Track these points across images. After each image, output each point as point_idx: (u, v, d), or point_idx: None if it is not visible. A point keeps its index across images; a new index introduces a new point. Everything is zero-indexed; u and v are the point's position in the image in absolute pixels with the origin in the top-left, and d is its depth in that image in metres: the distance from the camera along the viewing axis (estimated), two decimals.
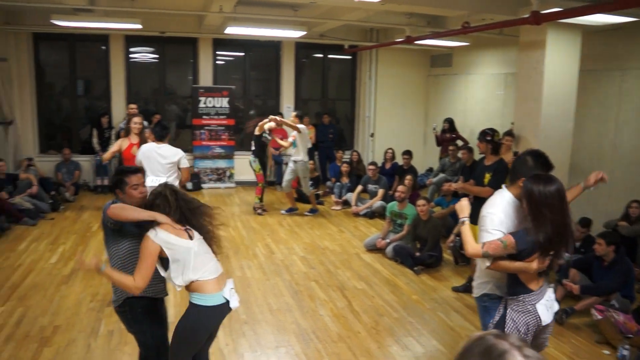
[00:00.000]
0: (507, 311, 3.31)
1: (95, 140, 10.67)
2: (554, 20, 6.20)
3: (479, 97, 11.16)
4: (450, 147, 10.18)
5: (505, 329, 3.26)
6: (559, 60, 7.10)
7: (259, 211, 9.59)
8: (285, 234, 8.36)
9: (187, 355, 3.32)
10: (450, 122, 10.73)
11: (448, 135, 10.66)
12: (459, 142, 10.43)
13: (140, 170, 3.53)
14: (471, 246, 3.32)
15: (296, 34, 9.65)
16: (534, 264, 3.13)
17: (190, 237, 3.23)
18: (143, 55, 11.89)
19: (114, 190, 3.44)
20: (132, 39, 11.31)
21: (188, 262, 3.15)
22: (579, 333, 5.26)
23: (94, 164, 10.92)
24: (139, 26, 8.75)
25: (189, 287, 3.23)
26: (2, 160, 8.99)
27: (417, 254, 7.06)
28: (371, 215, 9.57)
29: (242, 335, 4.96)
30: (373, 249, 7.66)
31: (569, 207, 3.17)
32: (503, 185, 3.50)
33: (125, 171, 3.44)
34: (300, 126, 9.00)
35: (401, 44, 9.85)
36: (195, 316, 3.23)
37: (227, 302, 3.26)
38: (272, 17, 9.10)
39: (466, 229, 3.43)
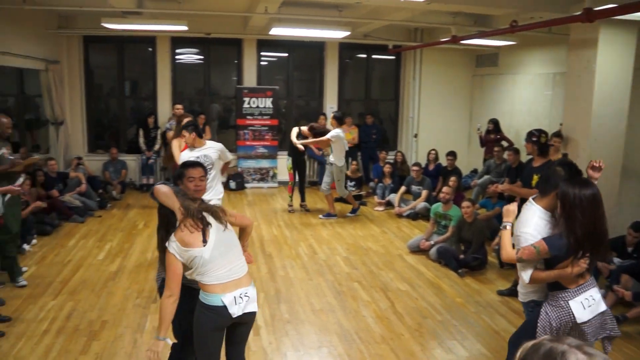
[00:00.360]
0: (543, 304, 3.39)
1: (141, 140, 10.89)
2: (608, 17, 6.00)
3: (526, 98, 10.93)
4: (496, 148, 9.98)
5: (538, 321, 3.35)
6: (612, 58, 6.88)
7: (290, 209, 9.71)
8: (327, 234, 8.36)
9: (205, 353, 3.30)
10: (495, 122, 10.53)
11: (492, 136, 10.45)
12: (504, 143, 10.26)
13: (200, 165, 3.64)
14: (506, 252, 3.45)
15: (340, 34, 9.64)
16: (568, 269, 3.18)
17: (205, 241, 3.19)
18: (188, 56, 12.07)
19: (176, 181, 3.58)
20: (178, 41, 11.50)
21: (196, 267, 3.18)
22: (631, 342, 5.07)
23: (140, 163, 11.14)
24: (185, 28, 8.88)
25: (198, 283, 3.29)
26: (53, 159, 9.26)
27: (462, 256, 6.96)
28: (414, 216, 9.48)
29: (285, 335, 4.97)
30: (416, 250, 7.58)
31: (604, 213, 3.18)
32: (530, 199, 3.50)
33: (186, 164, 3.64)
34: (333, 132, 8.94)
35: (446, 43, 9.73)
36: (197, 312, 3.25)
37: (226, 307, 3.17)
38: (316, 18, 9.11)
39: (506, 235, 3.51)
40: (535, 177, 5.61)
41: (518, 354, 1.35)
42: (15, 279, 5.93)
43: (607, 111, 6.97)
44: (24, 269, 6.30)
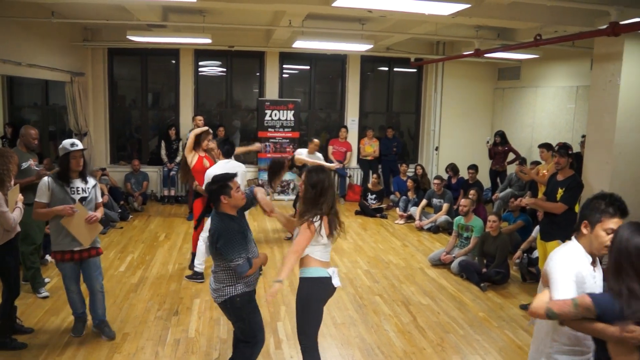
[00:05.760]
0: None
1: (163, 152, 10.98)
2: (634, 31, 5.94)
3: (549, 111, 10.83)
4: (517, 162, 10.01)
5: None
6: (636, 72, 6.79)
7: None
8: (348, 248, 8.32)
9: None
10: (501, 135, 10.78)
11: (500, 148, 10.73)
12: (511, 155, 10.64)
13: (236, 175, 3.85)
14: (536, 302, 2.69)
15: (363, 47, 9.66)
16: (614, 329, 2.36)
17: None
18: (211, 68, 12.17)
19: (218, 197, 3.70)
20: (201, 53, 11.62)
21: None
22: None
23: (161, 175, 11.22)
24: (209, 40, 8.96)
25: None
26: None
27: (484, 270, 6.88)
28: (435, 229, 9.42)
29: None
30: (438, 263, 7.53)
31: None
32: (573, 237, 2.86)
33: (229, 176, 3.76)
34: None
35: (469, 57, 9.70)
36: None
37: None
38: (339, 31, 9.13)
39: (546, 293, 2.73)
40: (560, 191, 5.56)
41: None
42: (37, 290, 5.96)
43: (631, 125, 6.87)
44: (47, 280, 6.34)
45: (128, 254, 7.71)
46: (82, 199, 4.73)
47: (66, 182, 4.66)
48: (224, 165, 6.47)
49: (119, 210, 9.63)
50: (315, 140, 9.49)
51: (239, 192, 3.76)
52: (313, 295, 3.76)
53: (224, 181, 3.71)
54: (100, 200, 4.97)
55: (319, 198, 3.67)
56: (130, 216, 9.82)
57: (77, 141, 4.72)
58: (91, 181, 4.86)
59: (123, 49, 11.19)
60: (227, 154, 6.61)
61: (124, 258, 7.51)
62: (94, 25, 10.39)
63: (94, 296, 4.95)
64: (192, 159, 6.90)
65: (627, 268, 2.41)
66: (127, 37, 8.93)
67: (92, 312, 5.00)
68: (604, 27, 5.92)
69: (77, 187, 4.73)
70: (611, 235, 2.61)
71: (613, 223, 2.68)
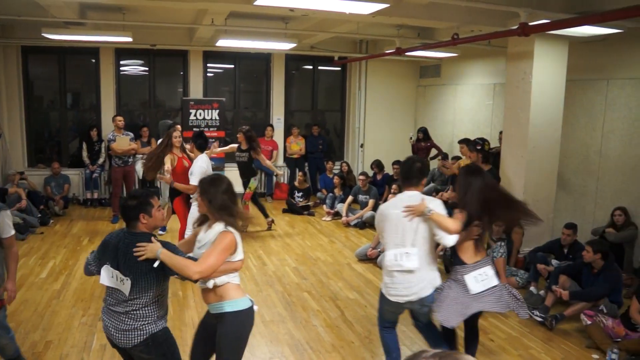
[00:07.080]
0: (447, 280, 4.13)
1: (84, 154, 10.62)
2: (542, 32, 6.28)
3: (468, 107, 11.25)
4: (439, 158, 10.35)
5: (441, 292, 4.02)
6: (546, 70, 7.20)
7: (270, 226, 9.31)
8: (276, 245, 8.37)
9: None
10: (424, 131, 11.07)
11: (423, 144, 11.02)
12: (433, 151, 10.94)
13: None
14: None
15: (287, 46, 9.71)
16: None
17: None
18: (133, 67, 11.89)
19: (137, 214, 3.21)
20: (122, 52, 11.32)
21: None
22: (568, 338, 5.32)
23: (83, 178, 10.87)
24: (130, 39, 8.75)
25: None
26: None
27: None
28: (362, 225, 9.61)
29: None
30: (364, 258, 7.69)
31: None
32: None
33: (152, 193, 3.33)
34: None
35: (391, 55, 9.93)
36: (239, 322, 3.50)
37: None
38: (263, 30, 9.15)
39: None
40: None
41: None
42: None
43: (543, 120, 7.28)
44: None
45: (49, 259, 7.45)
46: None
47: None
48: (206, 159, 6.55)
49: (39, 215, 9.27)
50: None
51: (160, 212, 3.31)
52: (244, 333, 3.49)
53: (145, 198, 3.24)
54: (6, 234, 3.90)
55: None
56: (51, 221, 9.46)
57: None
58: None
59: (38, 47, 10.70)
60: (201, 148, 6.63)
61: (45, 264, 7.25)
62: (4, 21, 9.87)
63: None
64: (172, 161, 6.76)
65: None
66: (43, 34, 8.58)
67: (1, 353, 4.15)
68: (515, 27, 6.22)
69: None
70: None
71: None
